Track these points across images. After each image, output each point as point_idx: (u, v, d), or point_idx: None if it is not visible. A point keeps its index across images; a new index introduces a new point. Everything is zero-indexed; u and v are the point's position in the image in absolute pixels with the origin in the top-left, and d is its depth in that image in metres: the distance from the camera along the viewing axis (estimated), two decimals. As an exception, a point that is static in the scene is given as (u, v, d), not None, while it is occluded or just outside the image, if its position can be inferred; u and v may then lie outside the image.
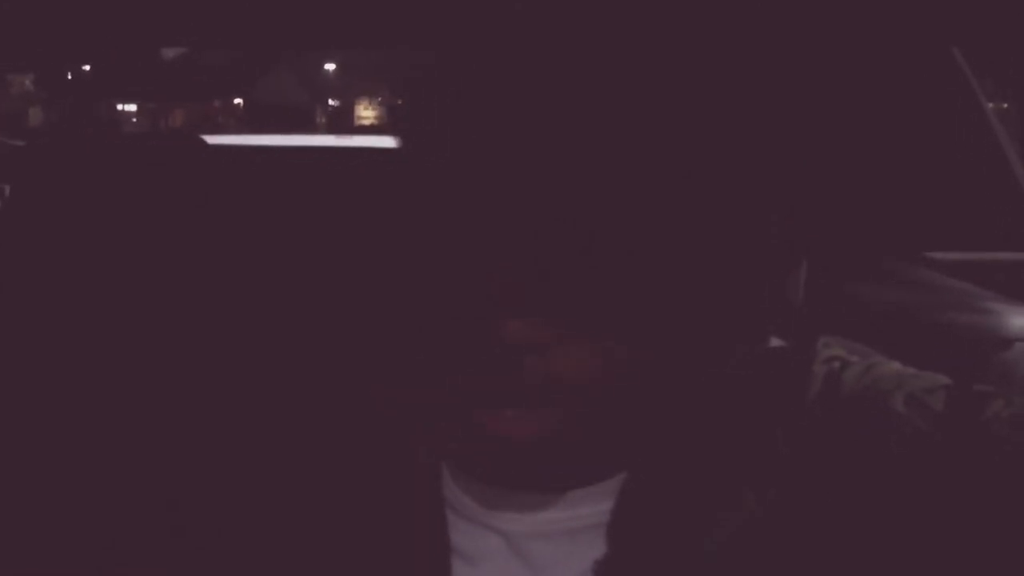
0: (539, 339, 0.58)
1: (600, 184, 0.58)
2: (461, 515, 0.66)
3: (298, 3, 1.79)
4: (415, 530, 0.65)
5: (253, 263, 1.61)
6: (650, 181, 0.59)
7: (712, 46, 0.62)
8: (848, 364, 0.66)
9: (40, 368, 1.43)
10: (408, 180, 0.62)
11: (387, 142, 0.65)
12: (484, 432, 0.59)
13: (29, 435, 1.35)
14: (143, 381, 1.40)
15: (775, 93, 0.63)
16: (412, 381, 0.61)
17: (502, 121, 0.59)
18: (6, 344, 1.47)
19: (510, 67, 0.59)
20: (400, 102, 0.67)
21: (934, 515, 0.60)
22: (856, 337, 0.72)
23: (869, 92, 1.82)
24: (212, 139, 1.89)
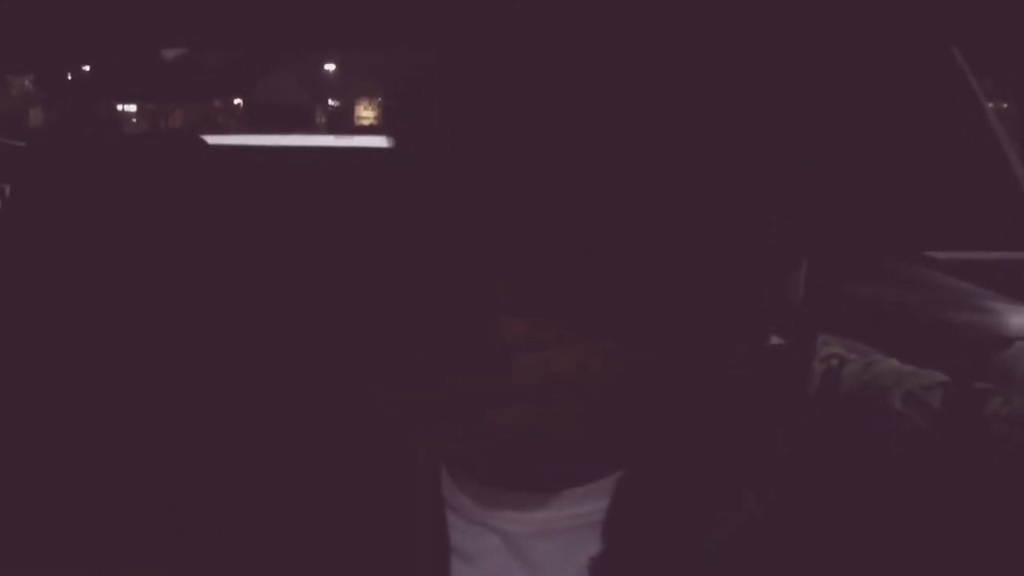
0: (537, 338, 0.58)
1: (599, 184, 0.58)
2: (460, 515, 0.66)
3: (298, 3, 1.79)
4: (414, 530, 0.65)
5: (253, 263, 1.61)
6: (649, 181, 0.59)
7: (710, 46, 0.62)
8: (846, 362, 0.66)
9: (40, 367, 1.43)
10: (407, 180, 0.62)
11: (387, 142, 0.65)
12: (482, 428, 0.59)
13: (29, 435, 1.35)
14: (143, 381, 1.40)
15: (775, 93, 0.63)
16: (412, 381, 0.61)
17: (501, 120, 0.59)
18: (5, 343, 1.47)
19: (510, 67, 0.59)
20: (392, 104, 0.67)
21: (934, 513, 0.60)
22: (856, 336, 0.72)
23: (869, 92, 1.82)
24: (212, 139, 1.89)
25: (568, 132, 0.58)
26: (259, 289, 1.57)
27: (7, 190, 1.77)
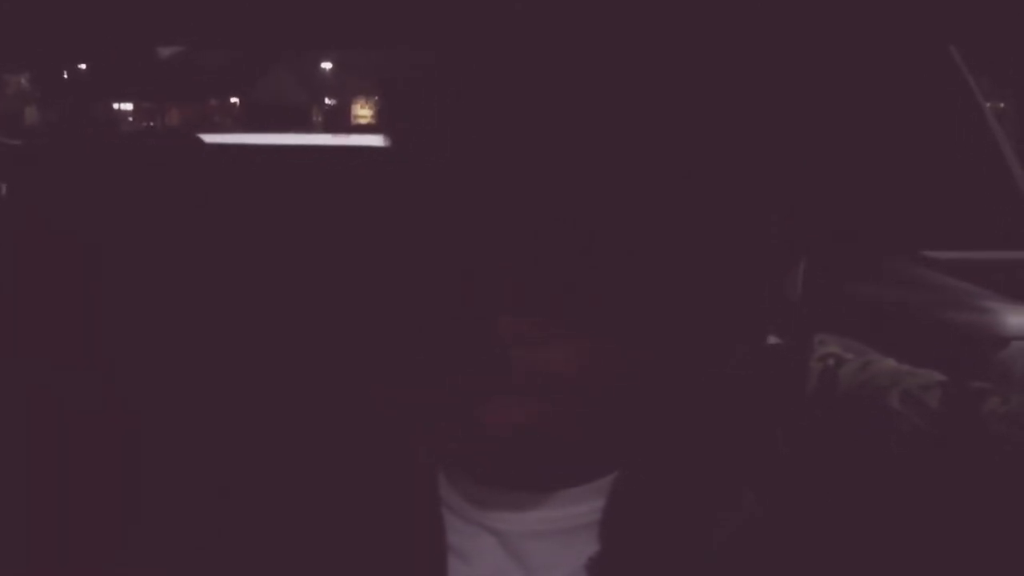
0: (537, 338, 0.58)
1: (599, 183, 0.58)
2: (456, 514, 0.66)
3: (296, 3, 1.79)
4: (412, 529, 0.65)
5: (250, 262, 1.61)
6: (649, 181, 0.58)
7: (708, 47, 0.62)
8: (843, 361, 0.66)
9: (37, 367, 1.43)
10: (406, 179, 0.62)
11: (383, 141, 0.65)
12: (481, 428, 0.59)
13: (28, 435, 1.35)
14: (141, 379, 1.40)
15: (774, 93, 0.63)
16: (412, 381, 0.61)
17: (500, 119, 0.59)
18: (3, 343, 1.47)
19: (509, 66, 0.59)
20: (387, 102, 0.66)
21: (934, 512, 0.60)
22: (854, 335, 0.73)
23: (867, 91, 1.82)
24: (209, 138, 1.89)
25: (568, 131, 0.58)
26: (258, 288, 1.57)
27: (3, 189, 1.77)
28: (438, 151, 0.60)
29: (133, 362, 1.42)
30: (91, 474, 1.29)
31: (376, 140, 0.66)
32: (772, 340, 0.67)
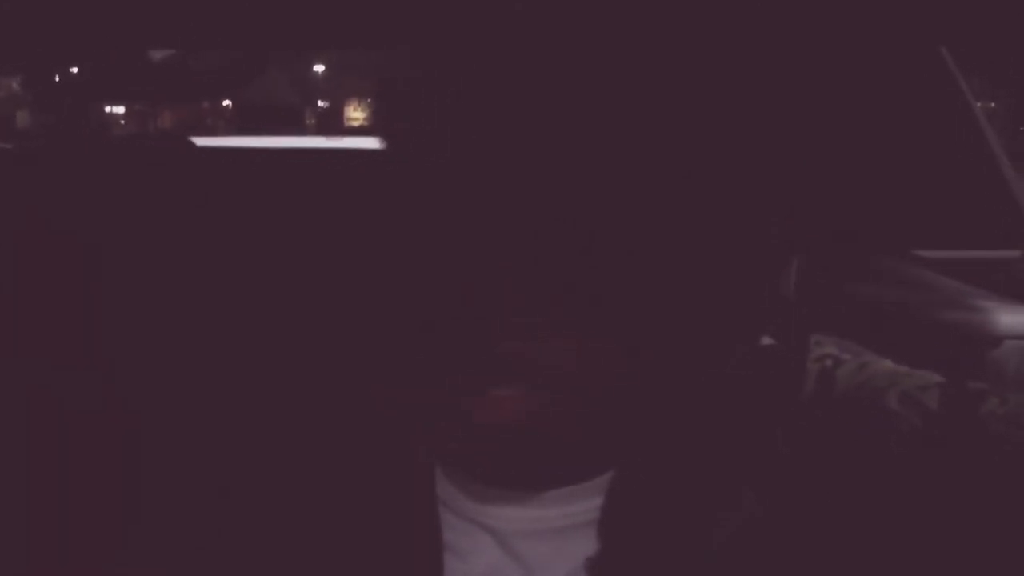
0: (536, 338, 0.58)
1: (598, 184, 0.58)
2: (453, 512, 0.66)
3: (289, 3, 1.78)
4: (409, 527, 0.65)
5: (243, 265, 1.61)
6: (649, 181, 0.58)
7: (703, 49, 0.62)
8: (841, 362, 0.66)
9: (34, 368, 1.43)
10: (406, 179, 0.62)
11: (377, 144, 0.64)
12: (480, 428, 0.59)
13: (28, 435, 1.34)
14: (141, 380, 1.40)
15: (771, 95, 0.63)
16: (411, 381, 0.61)
17: (500, 119, 0.59)
18: (2, 343, 1.46)
19: (508, 66, 0.59)
20: (382, 104, 0.66)
21: (933, 512, 0.60)
22: (847, 335, 0.73)
23: (858, 92, 1.83)
24: (201, 141, 1.89)
25: (568, 131, 0.58)
26: (258, 289, 1.57)
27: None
28: (437, 150, 0.60)
29: (133, 362, 1.42)
30: (91, 474, 1.29)
31: (370, 143, 0.66)
32: (768, 341, 0.68)
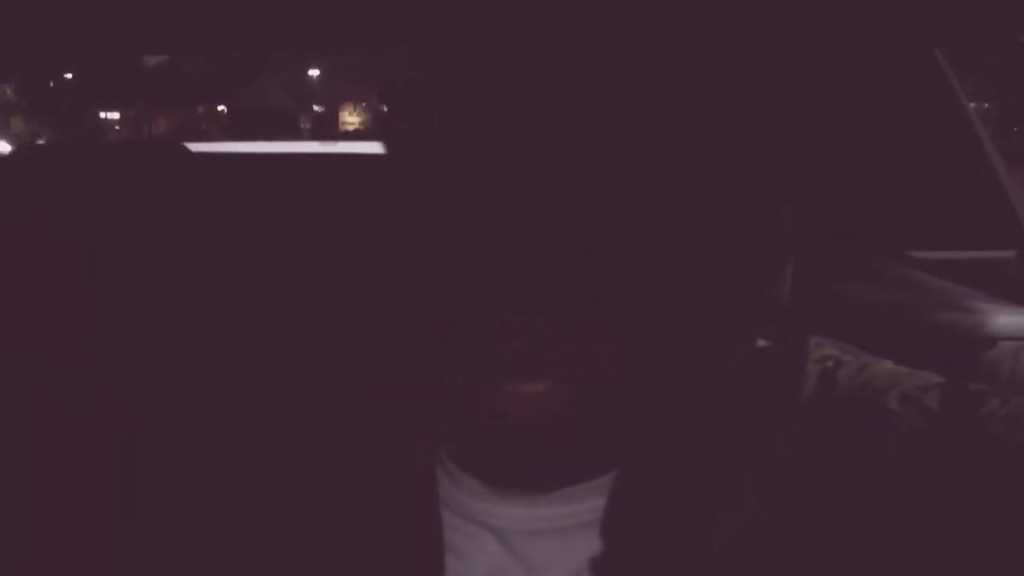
0: (536, 338, 0.58)
1: (598, 184, 0.58)
2: (455, 512, 0.66)
3: (282, 5, 1.78)
4: (410, 527, 0.65)
5: (241, 269, 1.61)
6: (648, 181, 0.59)
7: (702, 51, 0.62)
8: (842, 363, 0.66)
9: (32, 370, 1.43)
10: (406, 179, 0.62)
11: (373, 148, 0.65)
12: (480, 428, 0.59)
13: (27, 435, 1.34)
14: (140, 380, 1.40)
15: (770, 96, 0.63)
16: (411, 381, 0.61)
17: (500, 120, 0.59)
18: (2, 343, 1.46)
19: (508, 66, 0.59)
20: (386, 106, 0.66)
21: (934, 513, 0.60)
22: (841, 336, 0.73)
23: (852, 93, 1.83)
24: (195, 147, 1.89)
25: (568, 132, 0.58)
26: (257, 289, 1.57)
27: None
28: (438, 151, 0.60)
29: (132, 362, 1.42)
30: (90, 474, 1.29)
31: (365, 147, 0.66)
32: (764, 343, 0.68)
